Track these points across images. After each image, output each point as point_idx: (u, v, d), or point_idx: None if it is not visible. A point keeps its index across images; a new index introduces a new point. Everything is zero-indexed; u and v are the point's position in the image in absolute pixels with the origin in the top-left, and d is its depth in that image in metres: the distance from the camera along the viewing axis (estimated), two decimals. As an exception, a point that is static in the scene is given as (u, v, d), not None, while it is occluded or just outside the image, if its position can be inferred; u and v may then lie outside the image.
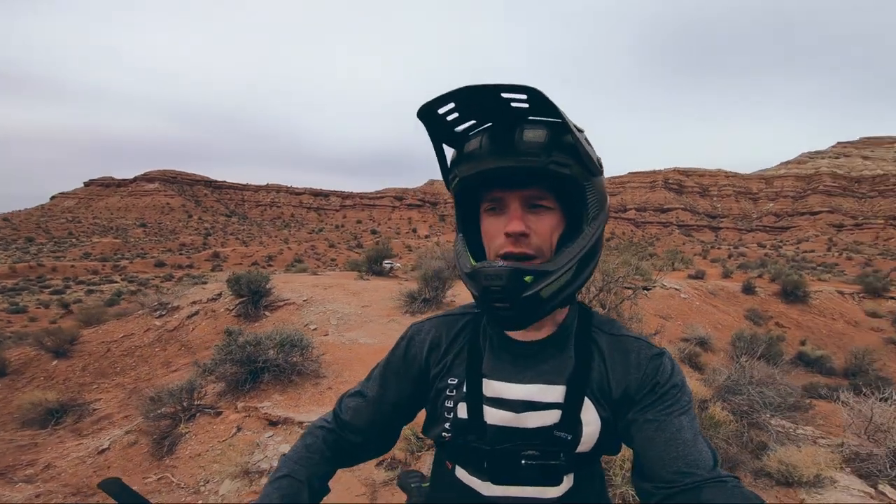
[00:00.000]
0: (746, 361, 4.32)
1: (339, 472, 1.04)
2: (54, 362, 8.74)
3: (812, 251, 74.68)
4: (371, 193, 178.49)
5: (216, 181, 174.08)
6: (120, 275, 53.00)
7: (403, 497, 1.19)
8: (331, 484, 0.98)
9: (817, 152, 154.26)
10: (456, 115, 0.80)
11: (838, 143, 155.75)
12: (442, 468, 0.99)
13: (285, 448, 3.73)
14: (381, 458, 3.34)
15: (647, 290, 12.39)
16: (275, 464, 3.50)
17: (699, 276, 18.72)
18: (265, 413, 4.29)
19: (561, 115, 0.75)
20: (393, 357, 1.05)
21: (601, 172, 0.87)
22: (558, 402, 0.87)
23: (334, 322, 8.18)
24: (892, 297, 17.96)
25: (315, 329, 7.86)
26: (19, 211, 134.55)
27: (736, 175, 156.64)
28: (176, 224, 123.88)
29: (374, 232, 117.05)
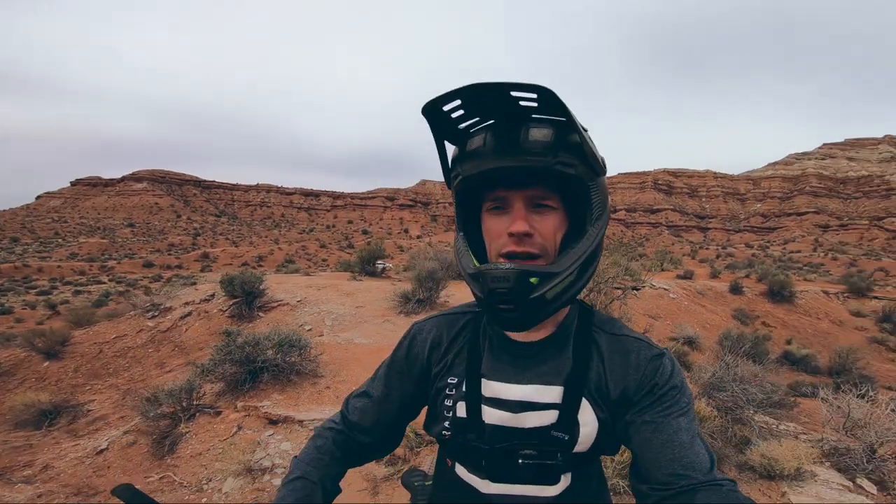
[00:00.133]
0: (731, 360, 4.46)
1: (343, 467, 1.06)
2: (46, 363, 8.69)
3: (798, 251, 75.68)
4: (362, 193, 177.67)
5: (205, 181, 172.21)
6: (108, 275, 52.34)
7: (404, 492, 1.26)
8: None
9: (804, 153, 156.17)
10: (461, 112, 0.78)
11: (824, 144, 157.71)
12: (443, 465, 1.01)
13: (286, 446, 3.81)
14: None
15: (637, 290, 12.58)
16: (276, 461, 3.58)
17: (688, 276, 18.98)
18: (265, 412, 4.36)
19: (569, 115, 0.74)
20: (396, 356, 1.05)
21: (604, 172, 0.86)
22: (556, 403, 0.87)
23: (329, 323, 8.24)
24: (876, 297, 18.27)
25: (310, 330, 7.92)
26: (3, 211, 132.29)
27: (724, 176, 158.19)
28: (164, 224, 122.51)
29: (365, 232, 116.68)
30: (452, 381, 0.95)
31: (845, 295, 18.49)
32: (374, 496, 3.02)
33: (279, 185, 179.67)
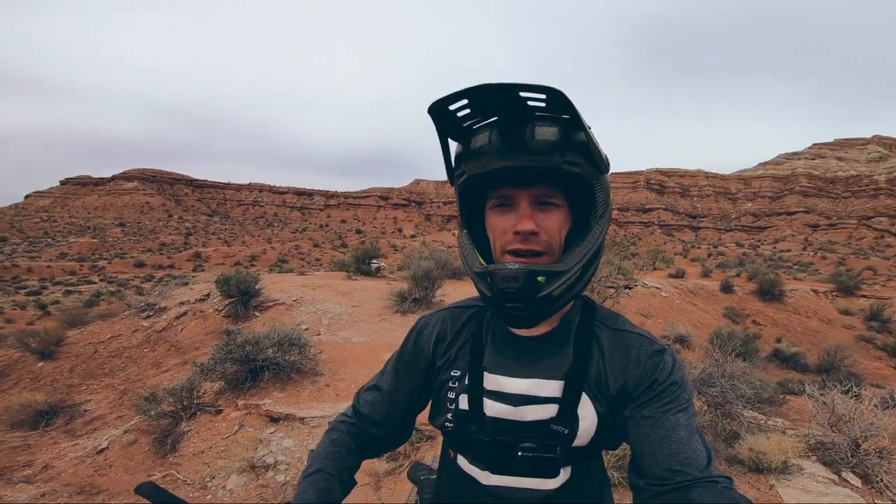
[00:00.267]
0: (720, 356, 4.58)
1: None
2: (40, 364, 8.66)
3: (788, 250, 76.44)
4: (356, 193, 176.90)
5: (197, 180, 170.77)
6: (98, 275, 51.91)
7: (405, 487, 1.30)
8: None
9: (794, 153, 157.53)
10: (467, 111, 0.78)
11: (814, 144, 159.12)
12: (446, 457, 1.03)
13: (289, 443, 3.87)
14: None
15: (629, 288, 12.72)
16: (279, 458, 3.64)
17: (679, 275, 19.13)
18: (266, 410, 4.41)
19: (575, 113, 0.74)
20: (404, 349, 1.07)
21: (608, 170, 0.86)
22: (555, 397, 0.88)
23: (326, 322, 8.27)
24: (864, 296, 18.35)
25: (307, 329, 7.95)
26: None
27: (716, 176, 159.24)
28: (156, 223, 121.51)
29: (358, 231, 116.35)
30: (455, 373, 0.97)
31: (834, 293, 18.61)
32: (376, 491, 3.10)
33: (272, 185, 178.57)
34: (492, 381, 0.92)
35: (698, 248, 78.41)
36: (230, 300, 9.43)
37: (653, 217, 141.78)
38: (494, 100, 0.75)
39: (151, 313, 10.28)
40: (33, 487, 4.22)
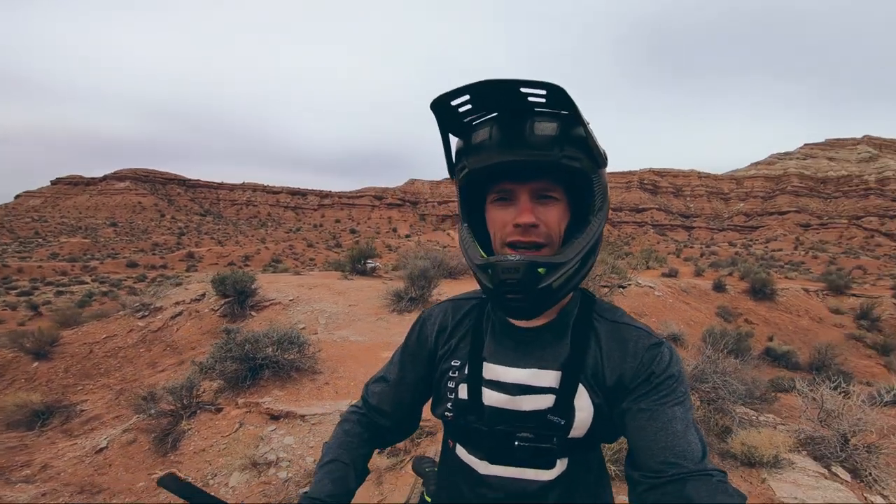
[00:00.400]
0: (712, 353, 4.67)
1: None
2: (35, 364, 8.62)
3: (780, 250, 76.97)
4: (350, 193, 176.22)
5: (190, 179, 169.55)
6: (90, 275, 51.47)
7: (406, 482, 1.34)
8: None
9: (786, 153, 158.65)
10: (468, 107, 0.80)
11: (805, 144, 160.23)
12: (446, 447, 1.05)
13: (290, 440, 3.91)
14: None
15: (623, 287, 12.84)
16: (281, 455, 3.68)
17: (672, 274, 19.24)
18: (266, 408, 4.44)
19: (575, 109, 0.75)
20: (409, 341, 1.09)
21: (606, 164, 0.88)
22: (552, 387, 0.89)
23: (323, 321, 8.30)
24: (854, 295, 18.47)
25: (304, 328, 7.97)
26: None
27: (708, 176, 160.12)
28: (148, 223, 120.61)
29: (353, 231, 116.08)
30: (456, 363, 0.98)
31: (825, 292, 18.73)
32: (378, 486, 3.15)
33: (265, 184, 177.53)
34: (490, 370, 0.94)
35: (691, 247, 78.86)
36: (226, 300, 9.42)
37: (646, 217, 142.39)
38: (495, 95, 0.76)
39: (146, 313, 10.26)
40: (33, 487, 4.23)
